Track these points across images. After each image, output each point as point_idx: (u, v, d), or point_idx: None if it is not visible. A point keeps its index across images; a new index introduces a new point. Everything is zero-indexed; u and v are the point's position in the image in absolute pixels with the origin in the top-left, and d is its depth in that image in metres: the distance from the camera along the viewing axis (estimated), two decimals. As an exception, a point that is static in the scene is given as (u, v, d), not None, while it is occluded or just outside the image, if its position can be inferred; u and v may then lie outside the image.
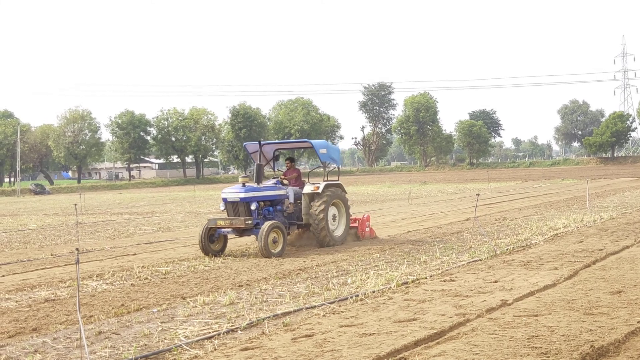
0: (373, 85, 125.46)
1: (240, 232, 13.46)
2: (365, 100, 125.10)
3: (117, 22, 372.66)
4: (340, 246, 14.20)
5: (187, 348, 6.54)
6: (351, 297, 8.61)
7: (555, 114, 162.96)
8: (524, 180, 52.69)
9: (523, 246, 13.08)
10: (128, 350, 6.54)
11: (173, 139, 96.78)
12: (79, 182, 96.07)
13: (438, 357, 5.89)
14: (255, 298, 8.91)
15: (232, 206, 13.54)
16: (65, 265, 12.84)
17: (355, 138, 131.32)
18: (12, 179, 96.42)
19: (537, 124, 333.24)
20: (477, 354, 5.92)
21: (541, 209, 22.42)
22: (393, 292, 8.97)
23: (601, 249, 12.12)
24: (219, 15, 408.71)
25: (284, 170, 15.57)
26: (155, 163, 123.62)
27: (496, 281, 9.42)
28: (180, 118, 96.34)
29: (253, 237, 13.97)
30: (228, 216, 13.62)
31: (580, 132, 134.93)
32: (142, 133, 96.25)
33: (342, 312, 7.84)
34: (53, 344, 6.90)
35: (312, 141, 15.14)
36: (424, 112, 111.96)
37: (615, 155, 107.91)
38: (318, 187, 14.18)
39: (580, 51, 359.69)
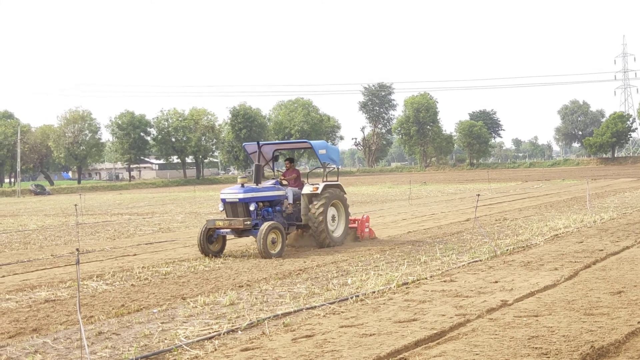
0: (373, 85, 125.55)
1: (239, 232, 13.45)
2: (366, 100, 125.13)
3: (117, 23, 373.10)
4: (341, 247, 14.19)
5: (188, 348, 6.54)
6: (351, 298, 8.60)
7: (556, 115, 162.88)
8: (524, 181, 52.70)
9: (523, 247, 13.08)
10: (128, 350, 6.54)
11: (173, 139, 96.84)
12: (79, 182, 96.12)
13: (438, 358, 5.89)
14: (256, 298, 8.91)
15: (231, 207, 13.54)
16: (66, 265, 12.84)
17: (356, 138, 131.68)
18: (13, 180, 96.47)
19: (537, 124, 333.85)
20: (477, 354, 5.92)
21: (541, 210, 22.42)
22: (393, 292, 8.96)
23: (601, 250, 12.11)
24: (219, 16, 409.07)
25: (283, 171, 15.57)
26: (156, 164, 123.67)
27: (496, 282, 9.42)
28: (180, 118, 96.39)
29: (253, 237, 13.96)
30: (227, 217, 13.62)
31: (580, 133, 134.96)
32: (142, 134, 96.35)
33: (342, 312, 7.84)
34: (53, 344, 6.90)
35: (311, 142, 15.13)
36: (424, 112, 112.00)
37: (615, 155, 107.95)
38: (317, 188, 14.17)
39: (580, 51, 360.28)
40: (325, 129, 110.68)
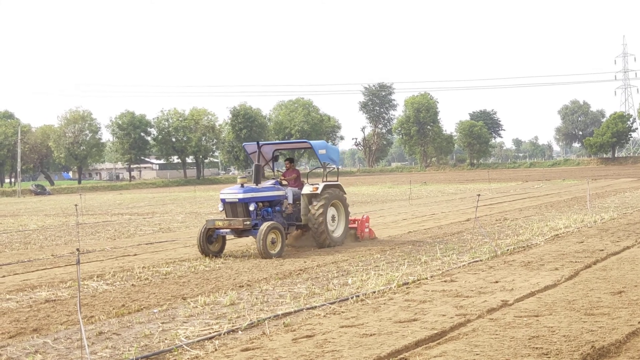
0: (373, 85, 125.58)
1: (239, 232, 13.44)
2: (366, 100, 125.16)
3: (118, 23, 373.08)
4: (341, 247, 14.19)
5: (188, 348, 6.54)
6: (352, 298, 8.60)
7: (556, 115, 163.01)
8: (525, 181, 52.69)
9: (524, 247, 13.08)
10: (129, 350, 6.54)
11: (173, 139, 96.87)
12: (79, 182, 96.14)
13: (439, 358, 5.88)
14: (256, 298, 8.91)
15: (231, 207, 13.53)
16: (66, 265, 12.84)
17: (356, 139, 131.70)
18: (13, 180, 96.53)
19: (537, 124, 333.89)
20: (477, 354, 5.92)
21: (542, 210, 22.41)
22: (394, 292, 8.96)
23: (602, 250, 12.11)
24: (219, 16, 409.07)
25: (283, 171, 15.57)
26: (156, 164, 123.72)
27: (497, 281, 9.41)
28: (180, 118, 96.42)
29: (253, 237, 13.95)
30: (227, 217, 13.61)
31: (580, 133, 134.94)
32: (142, 134, 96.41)
33: (342, 312, 7.84)
34: (54, 344, 6.90)
35: (311, 142, 15.13)
36: (424, 112, 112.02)
37: (615, 155, 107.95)
38: (317, 188, 14.17)
39: (581, 51, 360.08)
40: (326, 129, 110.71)
